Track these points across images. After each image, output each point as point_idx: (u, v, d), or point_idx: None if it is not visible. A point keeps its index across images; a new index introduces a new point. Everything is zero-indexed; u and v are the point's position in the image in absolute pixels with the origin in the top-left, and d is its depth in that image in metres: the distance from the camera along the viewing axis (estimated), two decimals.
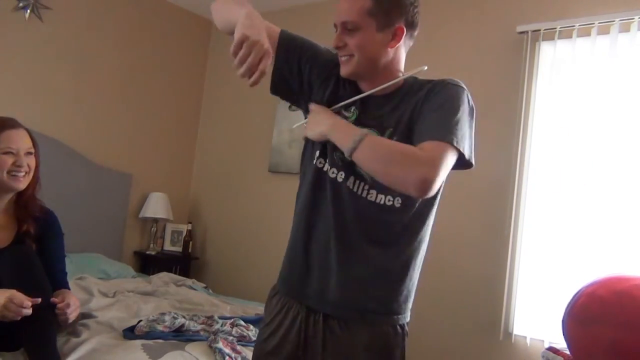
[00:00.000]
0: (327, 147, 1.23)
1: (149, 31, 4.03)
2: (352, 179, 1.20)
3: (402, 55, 1.23)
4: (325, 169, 1.23)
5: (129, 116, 3.94)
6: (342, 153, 1.17)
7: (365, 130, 1.12)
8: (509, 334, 2.72)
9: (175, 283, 3.22)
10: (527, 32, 2.78)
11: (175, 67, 4.23)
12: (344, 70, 1.21)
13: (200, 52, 4.43)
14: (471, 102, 1.18)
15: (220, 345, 2.01)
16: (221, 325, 2.27)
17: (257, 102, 4.04)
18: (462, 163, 1.14)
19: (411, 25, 1.19)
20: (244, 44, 1.05)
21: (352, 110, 1.24)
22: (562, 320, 1.64)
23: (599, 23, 2.57)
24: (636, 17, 2.47)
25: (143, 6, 3.99)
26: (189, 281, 3.31)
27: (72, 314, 1.84)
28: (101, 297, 2.66)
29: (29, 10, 3.32)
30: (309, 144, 1.31)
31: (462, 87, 1.18)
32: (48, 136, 3.42)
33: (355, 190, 1.20)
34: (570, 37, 2.66)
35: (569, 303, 1.64)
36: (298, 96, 1.31)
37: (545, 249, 2.65)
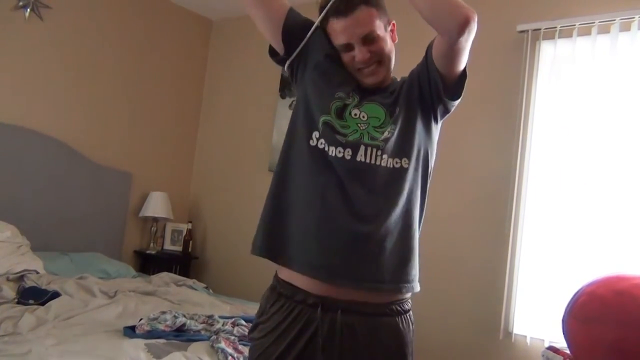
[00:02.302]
0: (326, 129, 1.24)
1: (149, 30, 4.03)
2: (362, 150, 1.22)
3: None
4: (326, 149, 1.23)
5: (129, 115, 3.93)
6: (344, 136, 1.22)
7: None
8: (509, 333, 2.72)
9: (175, 283, 3.22)
10: (527, 31, 2.78)
11: (176, 67, 4.23)
12: (375, 79, 1.29)
13: (200, 51, 4.42)
14: None
15: (222, 345, 2.02)
16: (222, 325, 2.27)
17: (257, 101, 4.04)
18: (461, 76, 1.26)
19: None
20: None
21: (351, 94, 1.28)
22: (563, 320, 1.64)
23: (599, 22, 2.57)
24: (636, 16, 2.47)
25: (143, 5, 3.98)
26: (189, 281, 3.31)
27: None
28: (102, 296, 2.67)
29: (28, 9, 3.32)
30: (301, 120, 1.30)
31: None
32: (48, 135, 3.42)
33: (367, 160, 1.22)
34: (571, 36, 2.66)
35: (569, 302, 1.64)
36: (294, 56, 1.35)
37: (545, 248, 2.65)
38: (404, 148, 1.25)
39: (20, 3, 3.29)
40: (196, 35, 4.38)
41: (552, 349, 1.86)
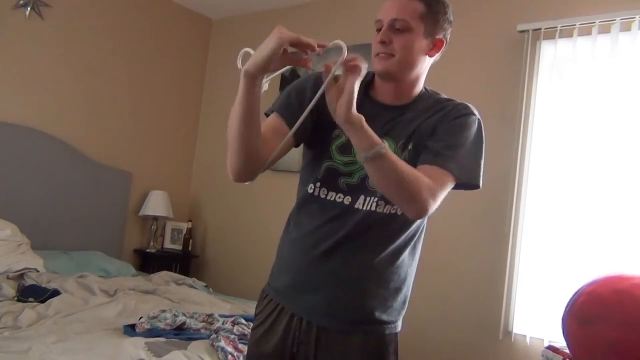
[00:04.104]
0: (329, 174, 1.25)
1: (149, 29, 4.03)
2: (361, 198, 1.22)
3: (428, 68, 1.27)
4: (323, 195, 1.25)
5: (129, 114, 3.94)
6: (349, 178, 1.22)
7: (385, 145, 1.05)
8: (508, 333, 2.73)
9: (175, 282, 3.22)
10: (527, 30, 2.78)
11: (176, 65, 4.23)
12: (380, 66, 1.20)
13: (200, 50, 4.42)
14: (483, 131, 1.24)
15: (222, 343, 2.02)
16: (222, 324, 2.28)
17: None
18: (470, 185, 1.22)
19: (446, 42, 1.25)
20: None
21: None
22: (562, 319, 1.64)
23: (600, 22, 2.57)
24: (637, 16, 2.47)
25: (143, 4, 3.98)
26: (189, 280, 3.31)
27: None
28: (102, 294, 2.68)
29: (29, 8, 3.32)
30: (310, 164, 1.31)
31: (478, 117, 1.24)
32: (48, 134, 3.43)
33: (363, 208, 1.22)
34: (571, 36, 2.66)
35: (569, 302, 1.64)
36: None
37: (545, 248, 2.65)
38: None
39: (21, 2, 3.29)
40: (196, 34, 4.38)
41: (551, 348, 1.86)
